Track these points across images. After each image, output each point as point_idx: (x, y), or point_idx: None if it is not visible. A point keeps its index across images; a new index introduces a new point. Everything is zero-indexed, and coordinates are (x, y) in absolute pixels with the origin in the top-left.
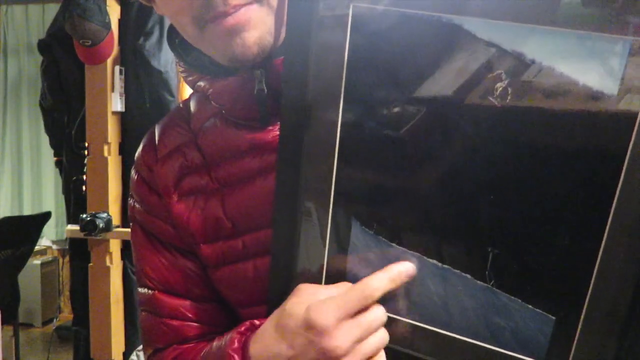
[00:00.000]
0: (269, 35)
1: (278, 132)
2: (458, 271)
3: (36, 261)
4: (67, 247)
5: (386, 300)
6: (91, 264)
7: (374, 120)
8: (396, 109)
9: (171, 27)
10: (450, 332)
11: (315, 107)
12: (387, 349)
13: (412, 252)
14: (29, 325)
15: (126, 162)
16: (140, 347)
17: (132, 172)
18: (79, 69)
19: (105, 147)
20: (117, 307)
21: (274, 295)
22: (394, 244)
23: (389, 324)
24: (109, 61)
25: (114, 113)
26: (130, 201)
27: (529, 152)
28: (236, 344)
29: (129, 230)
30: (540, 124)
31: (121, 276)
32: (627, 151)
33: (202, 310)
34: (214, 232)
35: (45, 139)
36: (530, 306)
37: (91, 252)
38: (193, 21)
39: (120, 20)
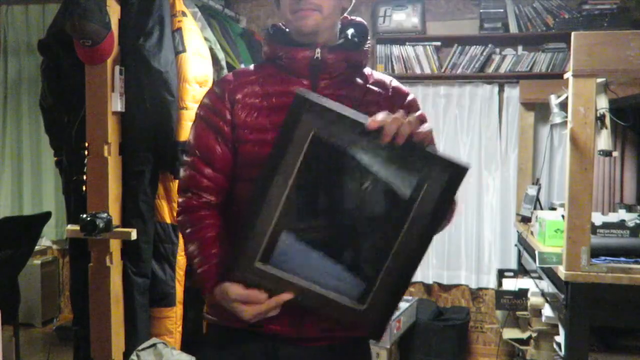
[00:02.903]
0: (326, 30)
1: (316, 84)
2: (328, 257)
3: (36, 261)
4: (67, 247)
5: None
6: (91, 264)
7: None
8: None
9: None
10: (322, 289)
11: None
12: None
13: (313, 250)
14: (29, 325)
15: (126, 162)
16: (140, 347)
17: (214, 88)
18: (79, 69)
19: (105, 147)
20: (117, 307)
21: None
22: (302, 243)
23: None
24: (109, 61)
25: (114, 113)
26: (203, 102)
27: (372, 210)
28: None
29: (129, 230)
30: (380, 200)
31: (121, 276)
32: (413, 207)
33: (224, 181)
34: (257, 129)
35: (45, 139)
36: (354, 276)
37: (91, 252)
38: (289, 9)
39: (120, 20)
